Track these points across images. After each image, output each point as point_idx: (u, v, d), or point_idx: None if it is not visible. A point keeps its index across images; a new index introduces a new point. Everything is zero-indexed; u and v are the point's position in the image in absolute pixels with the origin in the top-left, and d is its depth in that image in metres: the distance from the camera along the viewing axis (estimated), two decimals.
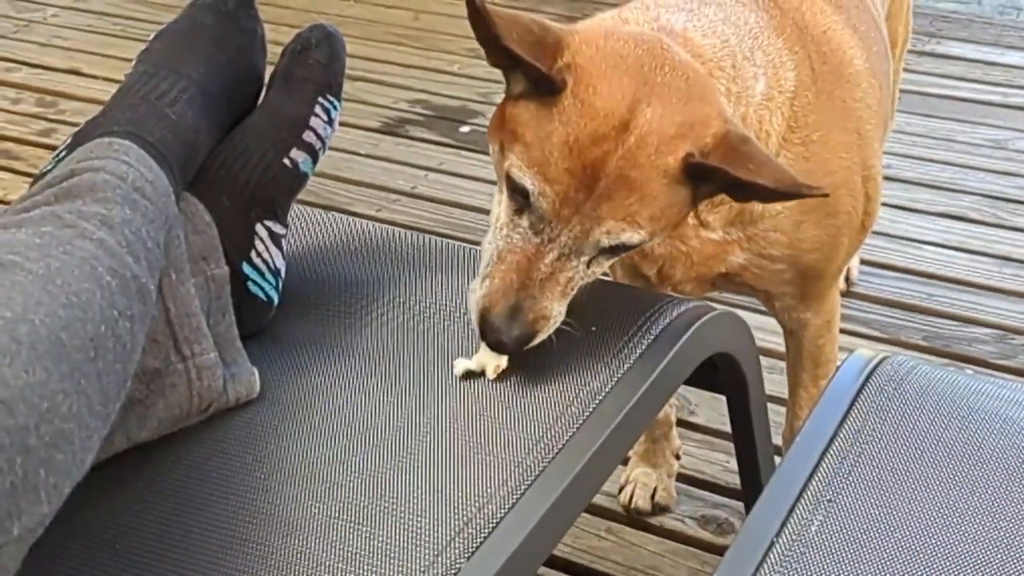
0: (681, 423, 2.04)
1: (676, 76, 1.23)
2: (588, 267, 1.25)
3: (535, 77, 1.21)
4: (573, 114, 1.21)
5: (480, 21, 1.22)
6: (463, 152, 2.94)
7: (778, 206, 1.42)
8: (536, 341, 1.23)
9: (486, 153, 2.81)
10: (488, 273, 1.24)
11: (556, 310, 1.23)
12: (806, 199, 1.39)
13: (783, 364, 1.76)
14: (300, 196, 1.35)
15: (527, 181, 1.21)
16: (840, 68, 1.49)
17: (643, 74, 1.22)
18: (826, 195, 1.24)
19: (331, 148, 1.39)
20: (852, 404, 1.19)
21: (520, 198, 1.23)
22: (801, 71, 1.41)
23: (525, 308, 1.22)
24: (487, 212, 2.58)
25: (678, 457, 1.96)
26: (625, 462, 1.93)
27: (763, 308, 1.64)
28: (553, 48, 1.22)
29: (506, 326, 1.21)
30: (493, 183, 2.75)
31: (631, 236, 1.22)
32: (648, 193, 1.21)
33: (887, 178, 2.51)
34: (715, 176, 1.21)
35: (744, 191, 1.22)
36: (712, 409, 2.06)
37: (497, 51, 1.23)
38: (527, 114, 1.23)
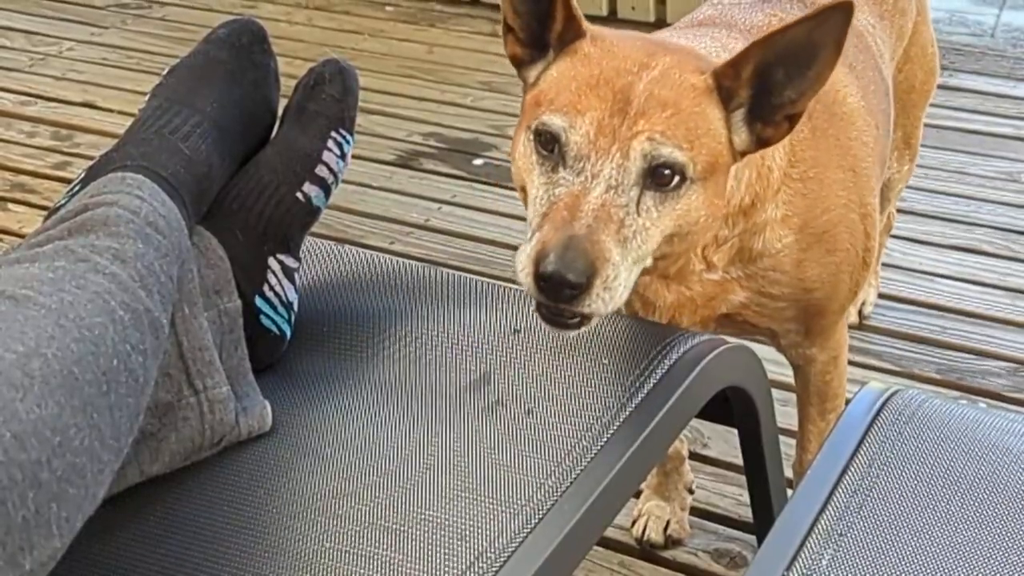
0: (694, 456, 2.03)
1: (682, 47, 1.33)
2: (638, 210, 1.22)
3: (565, 17, 1.28)
4: (595, 56, 1.26)
5: None
6: (476, 185, 2.95)
7: (776, 244, 1.43)
8: (599, 291, 1.17)
9: (499, 186, 2.87)
10: (535, 229, 1.21)
11: (616, 254, 1.19)
12: (807, 232, 1.41)
13: (795, 396, 1.75)
14: (313, 229, 1.35)
15: (557, 120, 1.23)
16: (833, 106, 1.49)
17: (652, 42, 1.32)
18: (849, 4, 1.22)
19: (345, 181, 1.39)
20: (863, 438, 1.19)
21: (553, 146, 1.23)
22: None
23: (582, 238, 1.17)
24: (500, 245, 2.65)
25: (691, 491, 1.95)
26: (638, 495, 1.93)
27: None
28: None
29: (564, 259, 1.16)
30: (505, 215, 2.77)
31: (673, 152, 1.21)
32: (682, 109, 1.23)
33: (900, 211, 2.53)
34: (743, 83, 1.25)
35: (776, 90, 1.25)
36: (725, 442, 2.06)
37: (522, 21, 1.31)
38: (547, 82, 1.28)
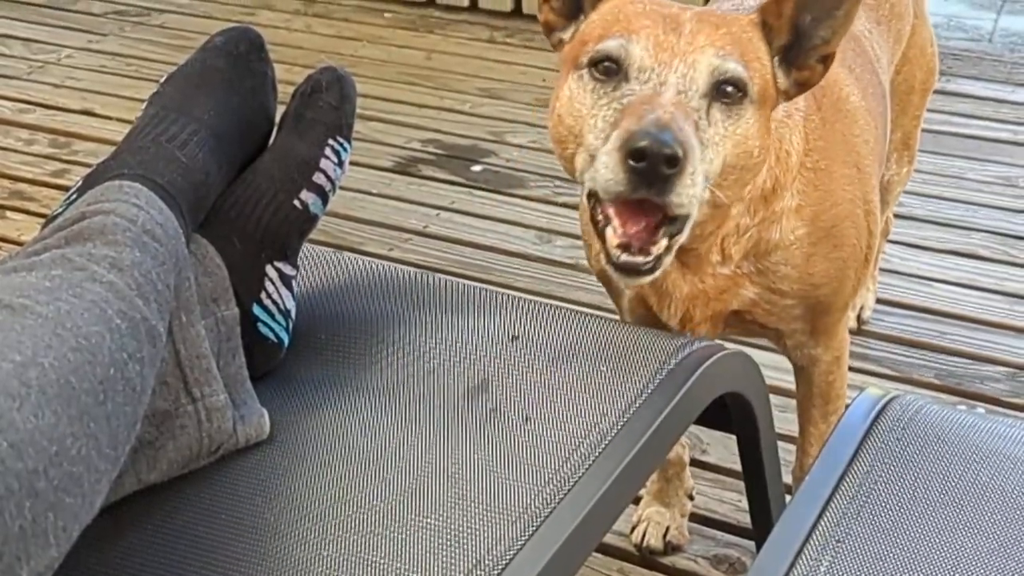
0: (693, 462, 2.03)
1: None
2: (708, 120, 1.24)
3: None
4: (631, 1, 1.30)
5: None
6: (475, 191, 2.95)
7: (790, 236, 1.44)
8: (687, 181, 1.17)
9: (498, 192, 2.88)
10: (610, 131, 1.21)
11: (694, 141, 1.19)
12: (818, 225, 1.42)
13: (793, 403, 1.75)
14: (312, 235, 1.35)
15: (613, 42, 1.25)
16: (838, 103, 1.51)
17: None
18: None
19: (343, 187, 1.40)
20: (861, 444, 1.19)
21: (612, 69, 1.25)
22: (807, 95, 1.43)
23: (669, 120, 1.18)
24: (499, 251, 2.66)
25: (691, 497, 1.95)
26: (637, 501, 1.93)
27: (773, 346, 1.64)
28: None
29: (658, 134, 1.15)
30: (504, 222, 2.78)
31: (736, 68, 1.25)
32: (733, 31, 1.28)
33: (898, 216, 2.53)
34: (784, 22, 1.30)
35: (808, 33, 1.31)
36: (724, 448, 2.06)
37: None
38: (590, 25, 1.32)
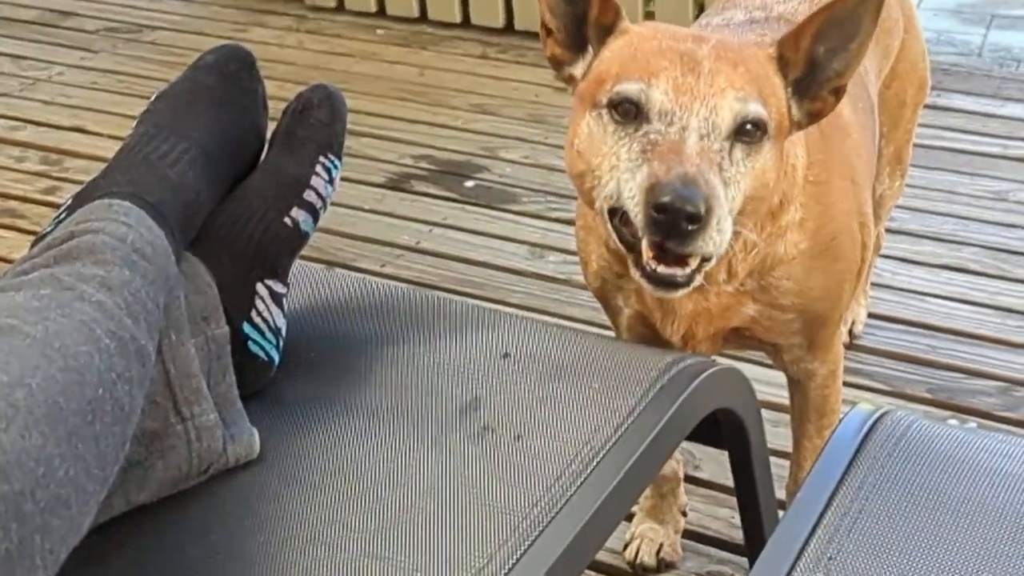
0: (686, 478, 2.03)
1: None
2: (731, 160, 1.25)
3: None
4: (647, 32, 1.32)
5: None
6: (468, 207, 2.95)
7: (793, 250, 1.45)
8: (713, 231, 1.19)
9: (491, 207, 2.88)
10: (636, 168, 1.22)
11: (720, 192, 1.21)
12: (818, 239, 1.45)
13: (787, 418, 1.75)
14: (304, 252, 1.35)
15: (632, 85, 1.26)
16: (833, 117, 1.52)
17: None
18: None
19: (335, 204, 1.39)
20: (853, 460, 1.19)
21: (632, 112, 1.25)
22: None
23: (696, 174, 1.19)
24: (492, 267, 2.65)
25: (684, 514, 1.95)
26: (630, 517, 1.92)
27: (766, 361, 1.64)
28: None
29: (683, 190, 1.16)
30: (497, 237, 2.78)
31: (758, 109, 1.26)
32: (750, 68, 1.29)
33: (890, 231, 2.53)
34: (801, 55, 1.31)
35: (822, 65, 1.32)
36: (717, 464, 2.05)
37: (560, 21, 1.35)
38: (605, 62, 1.32)
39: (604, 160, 1.27)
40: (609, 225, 1.30)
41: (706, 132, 1.24)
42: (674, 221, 1.17)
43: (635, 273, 1.27)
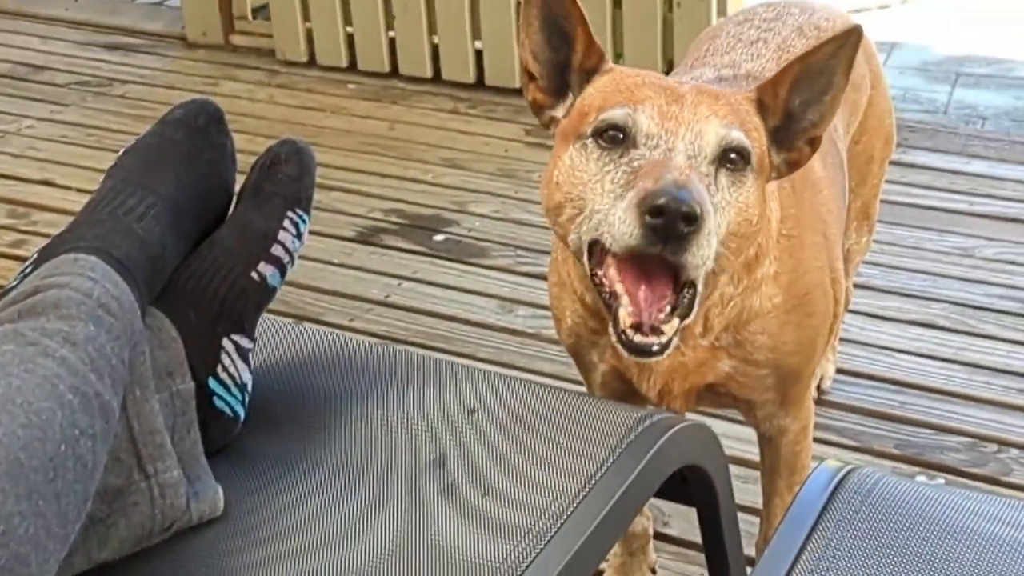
0: (655, 535, 2.02)
1: None
2: (716, 185, 1.26)
3: (586, 43, 1.35)
4: (629, 72, 1.34)
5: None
6: (437, 260, 2.95)
7: (768, 304, 1.46)
8: (703, 241, 1.19)
9: (461, 262, 2.88)
10: (624, 192, 1.23)
11: (708, 201, 1.22)
12: (792, 293, 1.47)
13: (756, 474, 1.75)
14: (273, 306, 1.35)
15: (618, 111, 1.27)
16: (804, 172, 1.53)
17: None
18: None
19: (304, 258, 1.39)
20: (819, 518, 1.18)
21: (617, 136, 1.27)
22: None
23: (685, 180, 1.20)
24: (462, 321, 2.65)
25: (654, 571, 1.94)
26: (599, 575, 1.91)
27: (734, 416, 1.64)
28: None
29: (677, 193, 1.17)
30: (467, 291, 2.77)
31: (741, 137, 1.28)
32: (731, 102, 1.31)
33: (858, 286, 2.54)
34: (779, 103, 1.33)
35: (797, 116, 1.35)
36: (686, 520, 2.05)
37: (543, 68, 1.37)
38: (589, 97, 1.34)
39: (587, 189, 1.28)
40: (586, 264, 1.30)
41: (693, 155, 1.26)
42: (671, 223, 1.18)
43: (612, 337, 1.27)
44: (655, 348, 1.26)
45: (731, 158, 1.28)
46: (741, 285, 1.44)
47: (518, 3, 1.42)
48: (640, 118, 1.27)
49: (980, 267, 2.80)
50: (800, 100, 1.35)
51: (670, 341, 1.26)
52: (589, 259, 1.30)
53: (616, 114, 1.27)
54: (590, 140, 1.29)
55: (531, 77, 1.40)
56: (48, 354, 1.01)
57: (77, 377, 1.01)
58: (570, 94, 1.39)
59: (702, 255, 1.21)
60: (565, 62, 1.38)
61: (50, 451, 0.94)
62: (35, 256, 1.22)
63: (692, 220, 1.18)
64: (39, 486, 0.91)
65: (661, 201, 1.17)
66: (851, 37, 1.32)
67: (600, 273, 1.28)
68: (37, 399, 0.96)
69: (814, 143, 1.38)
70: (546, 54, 1.38)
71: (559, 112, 1.40)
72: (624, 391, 1.54)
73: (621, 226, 1.21)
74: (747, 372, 1.50)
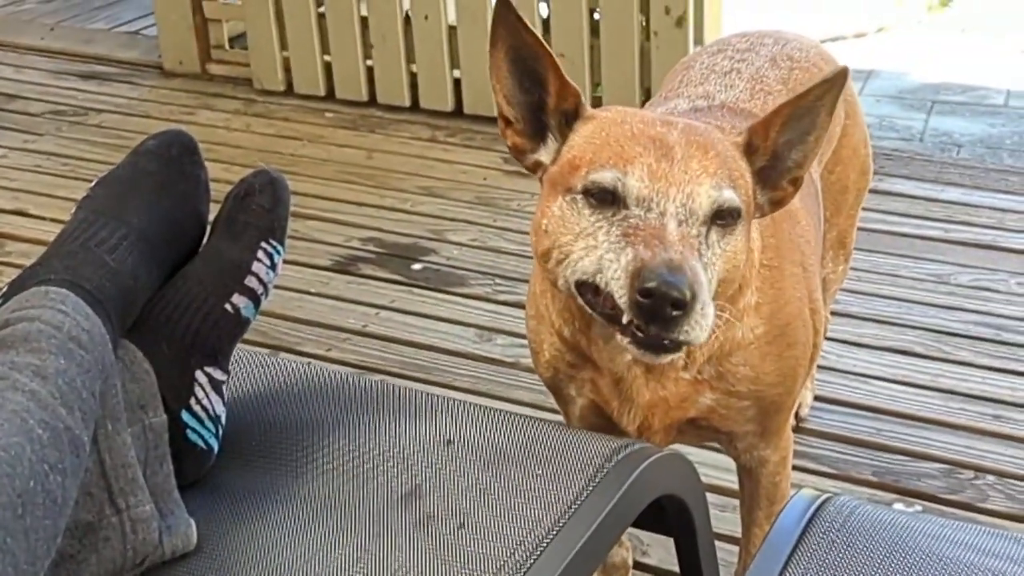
0: (634, 564, 2.01)
1: None
2: (707, 244, 1.27)
3: (559, 85, 1.34)
4: (615, 116, 1.33)
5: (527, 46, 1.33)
6: (415, 289, 2.95)
7: (750, 335, 1.46)
8: (697, 316, 1.19)
9: (438, 291, 2.88)
10: (619, 249, 1.23)
11: (703, 278, 1.22)
12: (773, 323, 1.47)
13: (734, 502, 1.75)
14: (249, 336, 1.34)
15: (607, 174, 1.26)
16: None
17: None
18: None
19: (281, 287, 1.39)
20: (796, 546, 1.18)
21: (607, 197, 1.26)
22: None
23: (680, 260, 1.20)
24: (439, 351, 2.64)
25: None
26: None
27: (712, 445, 1.63)
28: None
29: (669, 276, 1.17)
30: (445, 320, 2.76)
31: (732, 197, 1.28)
32: (720, 152, 1.30)
33: (835, 313, 2.55)
34: (769, 144, 1.34)
35: (783, 155, 1.36)
36: (665, 550, 2.04)
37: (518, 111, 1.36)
38: (577, 147, 1.33)
39: (577, 239, 1.28)
40: (579, 300, 1.30)
41: (684, 218, 1.25)
42: (659, 306, 1.18)
43: (622, 340, 1.26)
44: (668, 343, 1.24)
45: (723, 216, 1.28)
46: (724, 316, 1.44)
47: None
48: (630, 182, 1.26)
49: (955, 294, 2.82)
50: (784, 140, 1.36)
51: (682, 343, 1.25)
52: (581, 296, 1.30)
53: (605, 177, 1.27)
54: (580, 197, 1.29)
55: (507, 122, 1.38)
56: (17, 388, 1.00)
57: (47, 411, 1.00)
58: (550, 136, 1.37)
59: (695, 331, 1.21)
60: (540, 104, 1.36)
61: (19, 487, 0.93)
62: (5, 289, 1.21)
63: (680, 306, 1.18)
64: (7, 523, 0.90)
65: (651, 285, 1.18)
66: (839, 80, 1.32)
67: (599, 299, 1.27)
68: (6, 434, 0.95)
69: (796, 183, 1.39)
70: (519, 98, 1.36)
71: (543, 156, 1.38)
72: (602, 425, 1.53)
73: (619, 291, 1.22)
74: (729, 404, 1.50)
